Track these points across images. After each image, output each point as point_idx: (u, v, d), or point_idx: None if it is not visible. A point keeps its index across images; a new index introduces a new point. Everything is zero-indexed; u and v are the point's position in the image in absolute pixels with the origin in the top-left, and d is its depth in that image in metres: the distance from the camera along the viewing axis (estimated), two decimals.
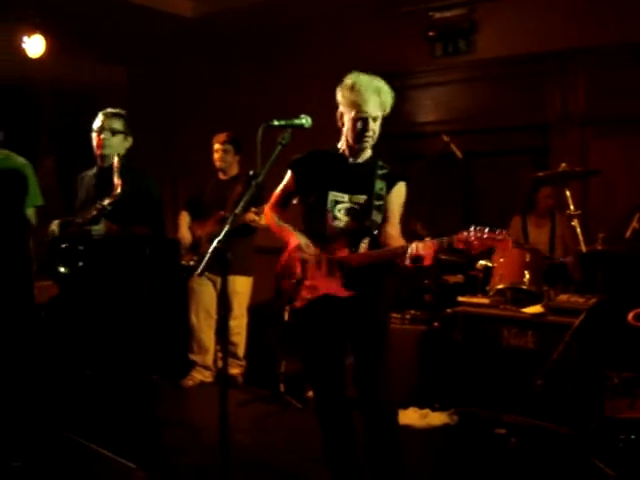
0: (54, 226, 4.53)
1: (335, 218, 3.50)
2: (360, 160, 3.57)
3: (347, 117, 3.50)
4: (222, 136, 6.08)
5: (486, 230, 3.15)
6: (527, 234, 6.20)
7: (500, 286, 5.28)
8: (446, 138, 5.97)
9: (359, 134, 3.47)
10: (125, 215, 4.34)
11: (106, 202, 4.25)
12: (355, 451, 3.67)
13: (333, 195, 3.52)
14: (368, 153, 3.59)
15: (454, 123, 6.91)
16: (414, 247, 3.23)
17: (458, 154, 5.96)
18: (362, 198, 3.50)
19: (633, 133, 6.25)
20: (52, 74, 7.73)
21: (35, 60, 7.30)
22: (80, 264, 4.34)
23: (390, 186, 3.53)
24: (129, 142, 4.58)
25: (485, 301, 5.30)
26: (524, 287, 5.19)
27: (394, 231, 3.51)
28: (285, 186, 3.72)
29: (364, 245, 3.49)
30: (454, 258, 5.78)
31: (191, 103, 8.36)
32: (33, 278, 5.36)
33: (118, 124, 4.50)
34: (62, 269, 4.37)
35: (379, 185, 3.50)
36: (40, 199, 5.24)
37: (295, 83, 7.54)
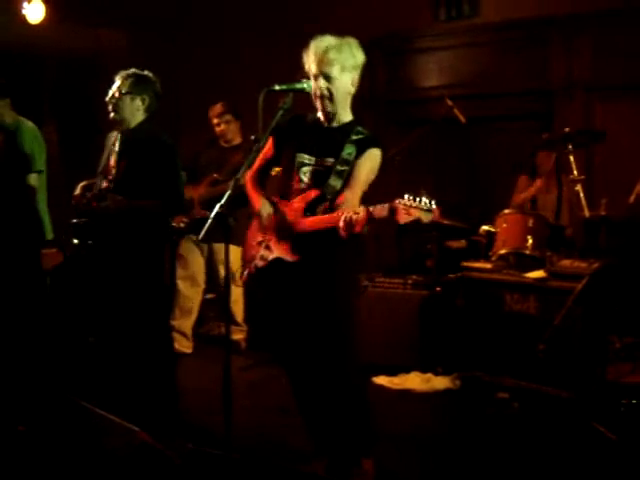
0: (78, 189, 4.44)
1: (300, 180, 3.48)
2: (335, 124, 3.49)
3: (311, 82, 3.44)
4: (218, 108, 5.95)
5: (417, 200, 3.03)
6: (535, 198, 6.17)
7: (503, 251, 5.27)
8: (450, 102, 5.93)
9: (314, 95, 3.42)
10: (134, 188, 4.18)
11: (104, 185, 4.23)
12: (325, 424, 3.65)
13: (300, 157, 3.48)
14: (347, 117, 3.51)
15: (458, 88, 6.86)
16: (347, 214, 3.15)
17: (462, 119, 5.92)
18: (329, 161, 3.43)
19: (638, 99, 6.22)
20: (53, 40, 7.69)
21: (36, 26, 7.25)
22: (90, 242, 4.30)
23: (361, 151, 3.42)
24: (142, 103, 4.27)
25: (488, 266, 5.29)
26: (527, 252, 5.18)
27: (351, 197, 3.37)
28: (264, 152, 3.63)
29: (321, 210, 3.41)
30: (457, 223, 5.78)
31: (195, 68, 8.30)
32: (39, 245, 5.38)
33: (124, 85, 4.24)
34: (75, 241, 4.34)
35: (348, 150, 3.41)
36: (42, 165, 5.25)
37: (297, 45, 7.47)
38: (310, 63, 3.38)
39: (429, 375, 5.25)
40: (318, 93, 3.38)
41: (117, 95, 4.24)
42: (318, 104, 3.43)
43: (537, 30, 6.61)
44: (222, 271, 5.88)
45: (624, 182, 5.38)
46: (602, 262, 4.76)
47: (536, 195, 6.11)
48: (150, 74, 4.36)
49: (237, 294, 6.06)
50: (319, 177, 3.42)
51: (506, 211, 5.44)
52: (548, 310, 4.72)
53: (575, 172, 5.34)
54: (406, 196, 3.03)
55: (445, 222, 5.62)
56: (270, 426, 4.49)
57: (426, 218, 3.02)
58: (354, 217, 3.10)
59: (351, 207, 3.24)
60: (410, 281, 5.67)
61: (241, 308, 6.17)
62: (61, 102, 8.50)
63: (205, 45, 8.23)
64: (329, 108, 3.41)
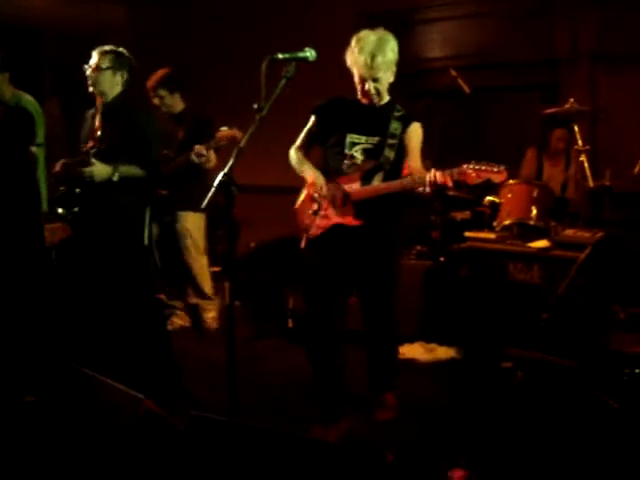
0: (58, 166, 4.54)
1: (352, 157, 3.85)
2: (378, 105, 3.86)
3: (355, 76, 3.82)
4: (152, 81, 5.71)
5: (484, 163, 3.46)
6: (542, 171, 6.17)
7: (507, 222, 5.26)
8: (454, 73, 5.90)
9: (364, 93, 3.83)
10: (115, 155, 4.35)
11: (89, 145, 4.35)
12: (340, 383, 3.99)
13: (350, 137, 3.86)
14: (386, 98, 3.88)
15: (462, 58, 6.83)
16: (432, 174, 3.49)
17: (466, 89, 5.89)
18: (377, 138, 3.83)
19: None
20: (54, 15, 7.67)
21: (36, 1, 7.23)
22: (76, 209, 4.39)
23: (405, 126, 3.83)
24: (121, 78, 4.49)
25: (491, 236, 5.28)
26: (531, 222, 5.17)
27: (415, 164, 3.79)
28: (309, 129, 4.04)
29: (378, 179, 3.80)
30: (461, 194, 5.78)
31: (197, 41, 8.27)
32: (42, 218, 5.39)
33: (105, 60, 4.43)
34: (60, 210, 4.42)
35: (394, 125, 3.81)
36: (42, 138, 5.25)
37: (302, 20, 7.44)
38: (358, 67, 3.75)
39: (433, 345, 5.28)
40: (368, 92, 3.79)
41: (98, 70, 4.42)
42: (365, 98, 3.84)
43: (542, 0, 6.56)
44: (185, 239, 5.73)
45: (628, 153, 5.38)
46: (606, 232, 4.77)
47: (543, 166, 6.12)
48: (126, 51, 4.54)
49: (203, 265, 5.89)
50: (371, 152, 3.83)
51: (511, 181, 5.43)
52: (552, 279, 4.74)
53: (580, 142, 5.33)
54: (472, 161, 3.47)
55: (450, 193, 5.63)
56: (273, 396, 4.54)
57: (498, 178, 3.47)
58: (439, 178, 3.47)
59: (418, 172, 3.66)
60: (414, 251, 5.69)
61: (208, 280, 5.98)
62: (62, 77, 8.48)
63: (206, 17, 8.19)
64: (376, 100, 3.83)
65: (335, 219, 3.84)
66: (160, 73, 5.73)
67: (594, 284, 4.64)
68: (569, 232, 4.93)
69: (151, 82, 5.71)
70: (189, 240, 5.73)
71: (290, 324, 5.78)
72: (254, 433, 2.55)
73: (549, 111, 5.57)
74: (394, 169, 3.83)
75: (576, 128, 5.36)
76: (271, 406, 4.33)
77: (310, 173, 3.93)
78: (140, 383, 3.46)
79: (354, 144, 3.85)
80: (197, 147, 5.24)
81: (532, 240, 5.06)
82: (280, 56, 3.26)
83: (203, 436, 2.62)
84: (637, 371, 4.30)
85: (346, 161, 3.85)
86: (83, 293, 4.73)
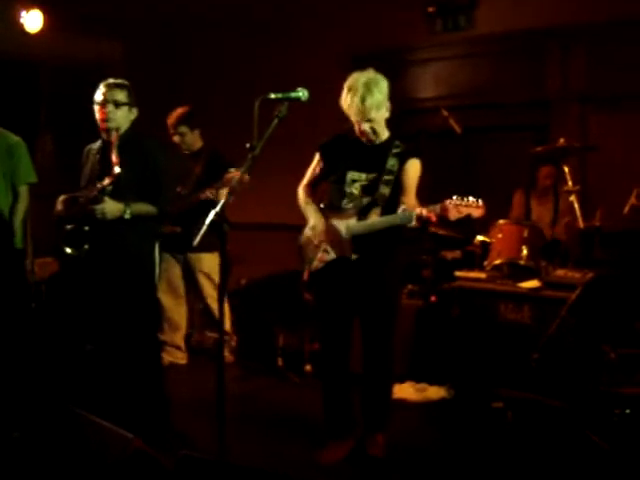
0: (59, 204, 4.47)
1: (352, 194, 3.98)
2: (377, 142, 3.99)
3: (352, 118, 3.94)
4: (173, 118, 5.81)
5: (464, 199, 3.58)
6: (530, 210, 6.20)
7: (497, 261, 5.28)
8: (445, 113, 5.94)
9: (362, 133, 3.95)
10: (129, 192, 4.25)
11: (106, 182, 4.18)
12: (351, 414, 4.20)
13: (351, 174, 4.00)
14: (385, 134, 4.02)
15: (454, 99, 6.88)
16: (419, 210, 3.64)
17: (457, 129, 5.93)
18: (374, 175, 3.95)
19: (633, 110, 6.24)
20: (50, 49, 7.71)
21: (33, 35, 7.27)
22: (86, 247, 4.26)
23: (402, 162, 3.94)
24: (134, 114, 4.40)
25: (482, 276, 5.31)
26: (521, 262, 5.19)
27: (409, 200, 3.89)
28: (314, 166, 4.19)
29: (374, 215, 3.91)
30: (452, 233, 5.80)
31: (189, 77, 8.33)
32: (29, 254, 5.38)
33: (122, 95, 4.31)
34: (68, 250, 4.27)
35: (391, 162, 3.92)
36: (33, 176, 5.23)
37: (293, 58, 7.51)
38: (351, 110, 3.88)
39: (423, 385, 5.25)
40: (364, 133, 3.93)
41: (115, 105, 4.29)
42: (363, 137, 3.96)
43: (532, 41, 6.63)
44: (202, 280, 5.85)
45: (618, 193, 5.40)
46: (596, 272, 4.78)
47: (532, 206, 6.16)
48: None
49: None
50: (368, 189, 3.95)
51: (501, 221, 5.46)
52: (542, 320, 4.74)
53: (570, 183, 5.37)
54: (454, 197, 3.58)
55: (440, 232, 5.65)
56: (263, 435, 4.51)
57: (476, 213, 3.58)
58: (424, 213, 3.61)
59: (410, 208, 3.76)
60: (406, 290, 5.69)
61: (227, 317, 6.05)
62: (58, 112, 8.51)
63: (201, 56, 8.27)
64: (373, 138, 3.96)
65: (334, 254, 3.99)
66: (181, 110, 5.85)
67: (584, 324, 4.63)
68: (560, 272, 4.95)
69: (172, 119, 5.82)
70: (205, 280, 5.84)
71: (280, 362, 5.75)
72: (243, 473, 2.53)
73: (539, 149, 5.62)
74: (390, 205, 3.91)
75: (566, 169, 5.40)
76: (260, 444, 4.31)
77: (311, 215, 4.10)
78: (130, 420, 3.44)
79: (354, 181, 3.98)
80: (208, 191, 5.33)
81: (523, 280, 5.08)
82: (273, 96, 3.31)
83: (192, 476, 2.61)
84: (627, 411, 4.28)
85: (345, 198, 3.99)
86: (78, 326, 4.71)
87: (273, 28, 7.72)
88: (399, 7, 7.07)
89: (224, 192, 5.37)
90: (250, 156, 3.20)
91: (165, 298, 5.93)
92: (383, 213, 3.91)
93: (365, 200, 3.94)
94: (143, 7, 7.59)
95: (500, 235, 5.35)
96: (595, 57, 6.35)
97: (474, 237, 5.66)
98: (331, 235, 4.00)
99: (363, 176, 3.97)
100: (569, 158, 5.57)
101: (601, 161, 6.16)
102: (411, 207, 3.78)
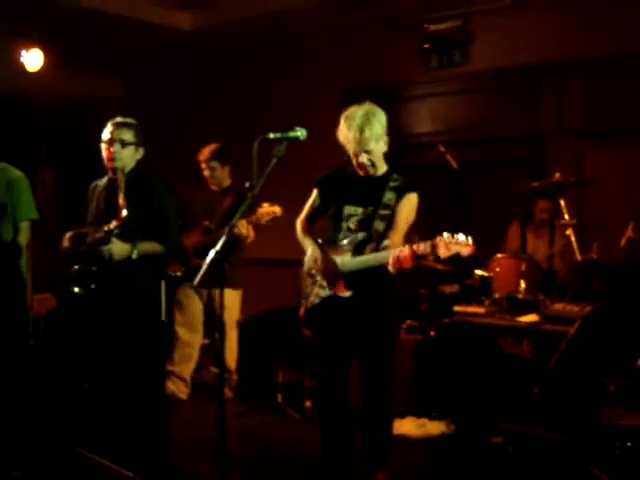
0: (66, 241, 4.49)
1: (348, 229, 3.88)
2: (375, 175, 3.90)
3: (349, 151, 3.85)
4: (205, 153, 5.95)
5: (454, 237, 3.46)
6: (526, 243, 6.23)
7: (496, 295, 5.30)
8: (442, 148, 5.98)
9: (360, 166, 3.85)
10: (135, 232, 4.24)
11: (112, 225, 4.15)
12: (351, 452, 4.01)
13: (347, 209, 3.89)
14: (383, 168, 3.92)
15: (450, 134, 6.95)
16: (394, 253, 3.53)
17: (454, 164, 5.96)
18: (371, 209, 3.85)
19: (628, 144, 6.29)
20: (50, 88, 7.78)
21: (33, 74, 7.34)
22: (93, 286, 4.23)
23: (400, 196, 3.84)
24: (140, 153, 4.39)
25: (481, 310, 5.32)
26: (520, 296, 5.21)
27: (395, 237, 3.78)
28: (312, 201, 4.11)
29: (369, 251, 3.80)
30: (450, 268, 5.81)
31: (188, 116, 8.40)
32: (29, 290, 5.37)
33: (129, 135, 4.30)
34: (76, 289, 4.23)
35: (388, 196, 3.83)
36: (34, 212, 5.23)
37: (291, 96, 7.59)
38: (348, 142, 3.79)
39: (424, 420, 5.24)
40: (362, 165, 3.82)
41: (120, 145, 4.28)
42: (361, 170, 3.86)
43: (527, 77, 6.69)
44: (225, 316, 5.85)
45: (614, 226, 5.43)
46: (594, 306, 4.79)
47: (528, 239, 6.18)
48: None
49: (232, 340, 6.00)
50: (365, 223, 3.86)
51: (499, 255, 5.48)
52: (541, 354, 4.75)
53: (566, 216, 5.41)
54: (445, 234, 3.46)
55: (438, 267, 5.66)
56: (263, 472, 4.49)
57: (465, 251, 3.46)
58: (401, 255, 3.49)
59: (396, 247, 3.63)
60: (405, 326, 5.70)
61: (234, 355, 6.07)
62: (57, 149, 8.57)
63: (200, 93, 8.34)
64: (371, 171, 3.86)
65: (328, 290, 3.90)
66: (213, 146, 6.00)
67: (584, 358, 4.64)
68: (558, 306, 4.96)
69: (204, 154, 5.98)
70: (225, 317, 5.76)
71: (279, 399, 5.74)
72: None
73: (536, 184, 5.66)
74: (384, 241, 3.83)
75: (562, 202, 5.44)
76: None
77: (308, 249, 4.02)
78: (130, 458, 3.44)
79: (350, 216, 3.89)
80: (240, 221, 5.26)
81: (521, 314, 5.09)
82: (271, 136, 3.34)
83: None
84: (629, 444, 4.28)
85: (342, 232, 3.90)
86: (76, 363, 4.69)
87: (274, 70, 7.84)
88: (395, 43, 7.17)
89: (251, 229, 5.46)
90: (250, 195, 3.23)
91: (182, 331, 6.01)
92: (377, 249, 3.80)
93: (361, 235, 3.85)
94: (143, 46, 7.67)
95: (498, 269, 5.38)
96: (590, 92, 6.40)
97: (472, 271, 5.67)
98: (326, 269, 3.89)
99: (359, 210, 3.87)
100: (565, 192, 5.61)
101: (597, 194, 6.20)
102: (395, 245, 3.67)
